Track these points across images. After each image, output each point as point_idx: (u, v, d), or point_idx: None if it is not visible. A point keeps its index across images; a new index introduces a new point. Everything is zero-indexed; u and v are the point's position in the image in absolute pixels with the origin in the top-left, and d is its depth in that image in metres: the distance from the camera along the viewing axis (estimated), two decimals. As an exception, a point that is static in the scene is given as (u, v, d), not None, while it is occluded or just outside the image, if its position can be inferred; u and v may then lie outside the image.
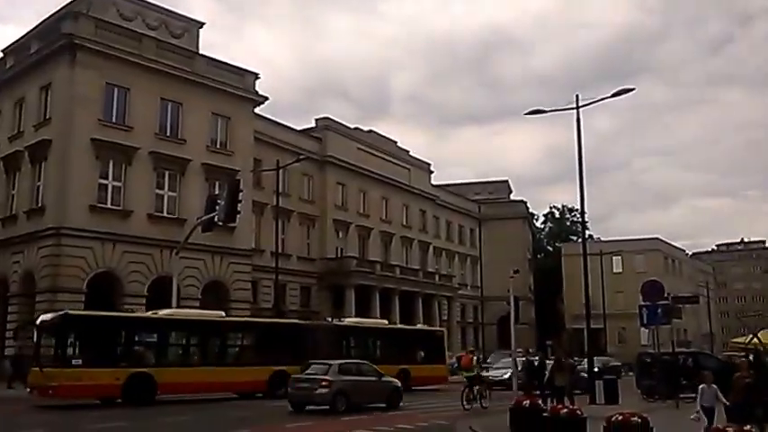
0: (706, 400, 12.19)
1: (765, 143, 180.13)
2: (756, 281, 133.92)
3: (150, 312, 24.18)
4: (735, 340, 37.53)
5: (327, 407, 18.96)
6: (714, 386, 12.31)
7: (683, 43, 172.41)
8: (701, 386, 12.36)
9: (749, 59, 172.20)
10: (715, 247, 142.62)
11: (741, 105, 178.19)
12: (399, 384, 22.07)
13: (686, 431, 12.84)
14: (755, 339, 22.25)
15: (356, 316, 38.20)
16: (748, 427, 9.48)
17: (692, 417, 11.80)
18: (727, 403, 12.11)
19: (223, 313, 25.26)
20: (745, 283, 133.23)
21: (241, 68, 36.48)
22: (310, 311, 41.37)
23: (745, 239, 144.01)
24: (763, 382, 13.60)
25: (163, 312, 23.02)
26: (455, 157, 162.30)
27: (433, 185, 60.19)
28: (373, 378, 20.97)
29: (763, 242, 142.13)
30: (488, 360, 39.93)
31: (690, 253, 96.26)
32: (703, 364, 27.86)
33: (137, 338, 21.84)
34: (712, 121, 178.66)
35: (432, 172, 60.00)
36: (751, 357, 20.89)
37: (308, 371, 20.20)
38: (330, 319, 31.17)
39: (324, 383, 19.09)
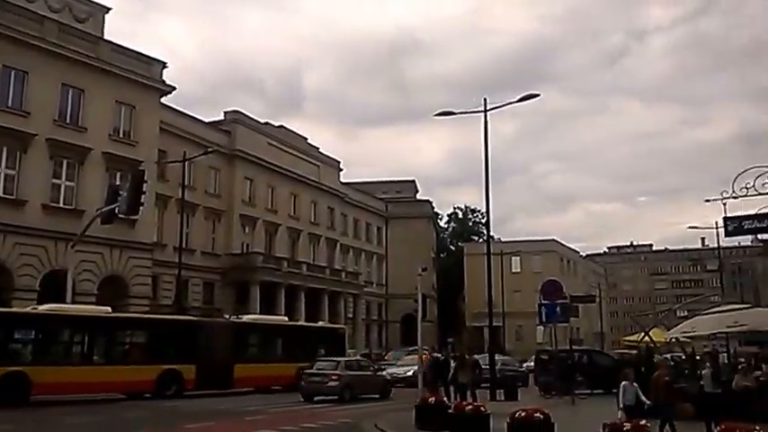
0: (628, 398, 12.21)
1: (656, 152, 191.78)
2: (643, 282, 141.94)
3: (29, 307, 22.94)
4: (627, 338, 39.69)
5: (336, 397, 22.43)
6: (635, 384, 12.41)
7: (582, 54, 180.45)
8: (623, 384, 12.40)
9: (643, 73, 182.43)
10: (607, 250, 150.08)
11: (635, 116, 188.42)
12: (389, 378, 26.12)
13: (584, 426, 13.44)
14: (647, 338, 23.57)
15: (261, 313, 37.69)
16: (644, 422, 9.98)
17: (619, 417, 11.47)
18: (648, 402, 12.30)
19: (109, 309, 24.03)
20: (632, 285, 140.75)
21: (148, 56, 35.25)
22: (213, 308, 40.51)
23: (635, 243, 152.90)
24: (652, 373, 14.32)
25: (42, 308, 21.86)
26: (365, 156, 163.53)
27: (342, 183, 60.27)
28: (370, 373, 25.22)
29: (651, 245, 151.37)
30: (386, 357, 40.22)
31: (584, 254, 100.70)
32: (597, 362, 29.46)
33: (11, 335, 20.54)
34: (608, 130, 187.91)
35: (341, 169, 60.17)
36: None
37: (317, 367, 23.67)
38: (228, 316, 30.56)
39: (334, 377, 22.73)
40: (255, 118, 49.54)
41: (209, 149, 37.02)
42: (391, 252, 66.58)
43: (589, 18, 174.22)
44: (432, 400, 15.32)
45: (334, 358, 24.53)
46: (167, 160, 36.59)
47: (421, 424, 14.72)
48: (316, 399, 22.75)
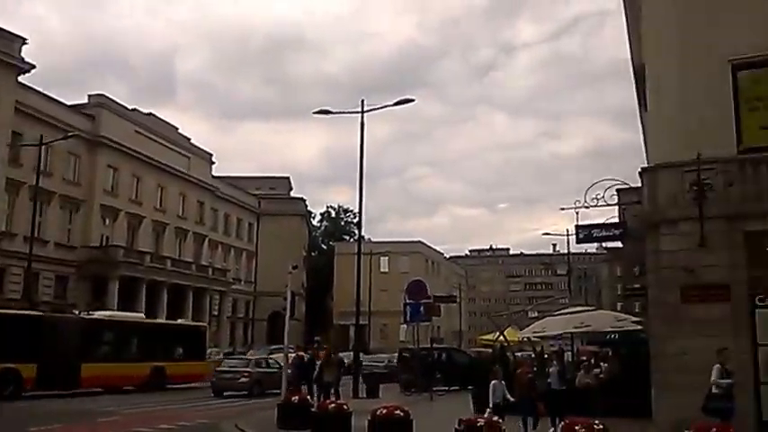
0: (498, 396, 12.59)
1: (517, 162, 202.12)
2: (500, 284, 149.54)
3: None
4: (483, 337, 41.52)
5: (246, 392, 24.20)
6: (503, 382, 12.88)
7: (456, 64, 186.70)
8: (492, 382, 12.78)
9: (509, 86, 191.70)
10: (468, 252, 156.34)
11: (501, 127, 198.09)
12: None
13: (441, 422, 13.90)
14: (501, 337, 24.82)
15: (121, 310, 35.96)
16: (496, 418, 10.51)
17: (486, 415, 11.61)
18: (512, 399, 12.85)
19: None
20: (490, 286, 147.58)
21: (5, 30, 32.78)
22: (66, 304, 38.11)
23: (494, 246, 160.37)
24: (505, 373, 15.13)
25: None
26: (239, 151, 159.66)
27: (213, 176, 58.68)
28: (276, 370, 25.55)
29: (508, 250, 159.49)
30: (247, 355, 39.11)
31: (448, 256, 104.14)
32: (455, 360, 30.64)
33: None
34: (476, 139, 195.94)
35: (213, 162, 58.59)
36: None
37: (228, 364, 26.40)
38: (78, 312, 28.99)
39: (245, 374, 24.93)
40: (123, 103, 47.25)
41: (70, 134, 34.92)
42: (262, 249, 65.72)
43: (463, 30, 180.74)
44: (295, 398, 15.33)
45: (244, 357, 26.91)
46: (22, 143, 34.16)
47: (283, 423, 14.69)
48: (225, 394, 24.66)
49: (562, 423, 10.12)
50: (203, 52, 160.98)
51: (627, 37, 19.50)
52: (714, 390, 11.01)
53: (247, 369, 25.58)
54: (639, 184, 14.47)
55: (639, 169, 14.52)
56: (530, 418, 13.34)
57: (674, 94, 14.04)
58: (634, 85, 20.73)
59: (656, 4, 14.77)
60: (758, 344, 12.55)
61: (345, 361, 27.16)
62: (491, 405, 12.56)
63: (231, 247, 61.99)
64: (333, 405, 13.91)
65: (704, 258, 12.79)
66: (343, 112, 25.36)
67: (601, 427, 9.40)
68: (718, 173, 12.82)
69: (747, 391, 11.76)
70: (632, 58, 19.46)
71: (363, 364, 37.40)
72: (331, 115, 25.88)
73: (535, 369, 16.55)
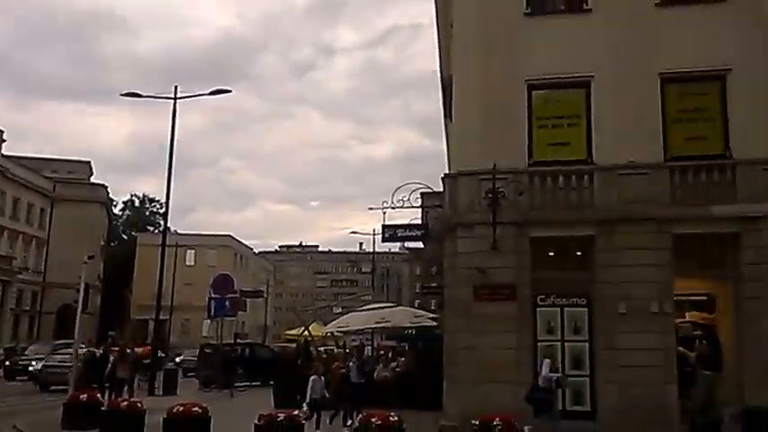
0: (316, 391, 12.78)
1: (330, 162, 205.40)
2: (308, 280, 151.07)
3: None
4: (288, 332, 41.68)
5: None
6: (323, 378, 13.04)
7: (276, 60, 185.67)
8: (312, 378, 12.89)
9: (327, 88, 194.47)
10: (278, 248, 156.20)
11: (315, 126, 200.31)
12: None
13: (240, 418, 13.73)
14: (306, 332, 25.06)
15: None
16: (297, 412, 10.59)
17: (301, 413, 11.54)
18: (327, 395, 13.03)
19: None
20: (298, 282, 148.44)
21: None
22: None
23: (303, 243, 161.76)
24: (308, 365, 15.37)
25: None
26: (38, 131, 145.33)
27: (3, 155, 52.97)
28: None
29: (317, 246, 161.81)
30: (26, 352, 35.53)
31: (257, 251, 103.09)
32: (258, 355, 30.46)
33: None
34: (291, 136, 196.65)
35: (4, 140, 52.85)
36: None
37: (58, 359, 24.93)
38: None
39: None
40: None
41: None
42: (55, 237, 60.41)
43: (284, 27, 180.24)
44: (83, 396, 14.36)
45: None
46: None
47: (68, 423, 13.73)
48: (52, 389, 23.70)
49: (360, 415, 10.46)
50: (2, 22, 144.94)
51: (437, 51, 20.64)
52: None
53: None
54: (442, 189, 15.37)
55: (442, 175, 15.43)
56: (340, 412, 13.67)
57: (476, 107, 15.10)
58: (441, 96, 21.92)
59: (464, 24, 15.79)
60: (538, 339, 13.88)
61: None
62: (308, 400, 12.74)
63: (19, 233, 56.38)
64: (125, 403, 13.23)
65: (495, 260, 13.89)
66: (155, 97, 24.38)
67: (396, 418, 9.85)
68: (511, 183, 13.98)
69: (528, 383, 12.86)
70: (441, 71, 20.61)
71: (183, 359, 36.19)
72: (141, 99, 24.84)
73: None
